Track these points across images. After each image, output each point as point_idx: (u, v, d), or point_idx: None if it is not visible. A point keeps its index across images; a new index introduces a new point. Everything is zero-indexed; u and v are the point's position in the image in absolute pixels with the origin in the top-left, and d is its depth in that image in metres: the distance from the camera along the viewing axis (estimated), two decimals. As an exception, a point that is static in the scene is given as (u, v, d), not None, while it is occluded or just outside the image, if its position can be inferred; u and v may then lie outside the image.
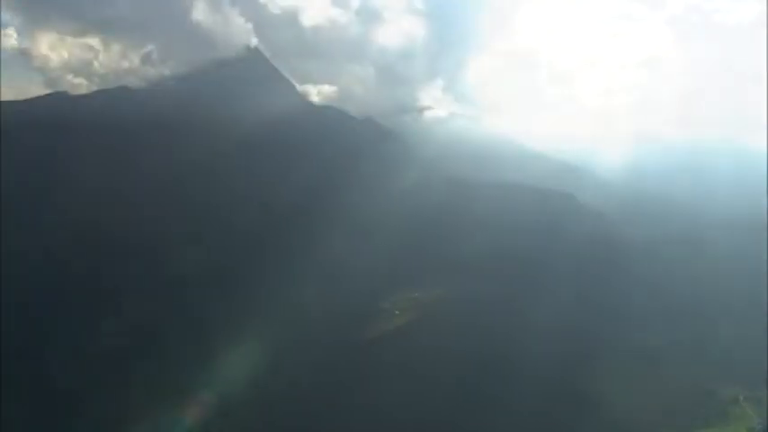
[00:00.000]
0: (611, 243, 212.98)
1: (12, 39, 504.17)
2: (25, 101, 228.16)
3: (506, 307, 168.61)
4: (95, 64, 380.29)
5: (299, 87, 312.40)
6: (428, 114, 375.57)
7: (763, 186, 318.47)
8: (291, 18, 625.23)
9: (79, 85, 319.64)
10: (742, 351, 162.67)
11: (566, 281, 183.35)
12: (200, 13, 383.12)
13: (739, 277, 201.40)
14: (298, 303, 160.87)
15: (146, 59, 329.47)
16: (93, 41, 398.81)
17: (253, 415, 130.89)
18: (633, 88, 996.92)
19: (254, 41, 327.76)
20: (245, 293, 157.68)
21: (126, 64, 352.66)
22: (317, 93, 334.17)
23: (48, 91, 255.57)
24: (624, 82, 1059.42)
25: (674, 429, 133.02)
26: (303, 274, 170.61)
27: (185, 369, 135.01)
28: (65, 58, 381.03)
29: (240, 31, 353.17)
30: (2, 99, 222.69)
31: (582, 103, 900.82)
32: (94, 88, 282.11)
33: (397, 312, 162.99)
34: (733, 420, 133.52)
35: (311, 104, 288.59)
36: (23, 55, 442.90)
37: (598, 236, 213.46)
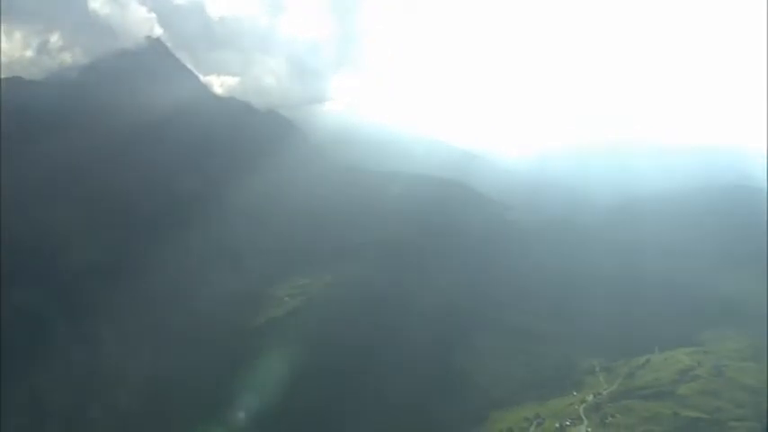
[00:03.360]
0: (497, 229, 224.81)
1: None
2: None
3: (392, 291, 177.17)
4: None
5: (203, 78, 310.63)
6: (330, 105, 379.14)
7: (646, 175, 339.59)
8: (198, 8, 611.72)
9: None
10: (606, 326, 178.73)
11: (451, 265, 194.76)
12: (103, 3, 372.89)
13: (612, 258, 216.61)
14: (192, 291, 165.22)
15: (42, 49, 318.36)
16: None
17: (143, 400, 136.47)
18: (537, 81, 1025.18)
19: (157, 32, 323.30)
20: (142, 280, 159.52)
21: (29, 53, 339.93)
22: (220, 84, 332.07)
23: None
24: (528, 74, 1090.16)
25: (535, 399, 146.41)
26: (198, 263, 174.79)
27: (74, 356, 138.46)
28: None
29: (143, 22, 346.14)
30: None
31: (486, 95, 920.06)
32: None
33: (286, 299, 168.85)
34: (586, 388, 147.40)
35: (213, 96, 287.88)
36: None
37: (486, 222, 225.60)
